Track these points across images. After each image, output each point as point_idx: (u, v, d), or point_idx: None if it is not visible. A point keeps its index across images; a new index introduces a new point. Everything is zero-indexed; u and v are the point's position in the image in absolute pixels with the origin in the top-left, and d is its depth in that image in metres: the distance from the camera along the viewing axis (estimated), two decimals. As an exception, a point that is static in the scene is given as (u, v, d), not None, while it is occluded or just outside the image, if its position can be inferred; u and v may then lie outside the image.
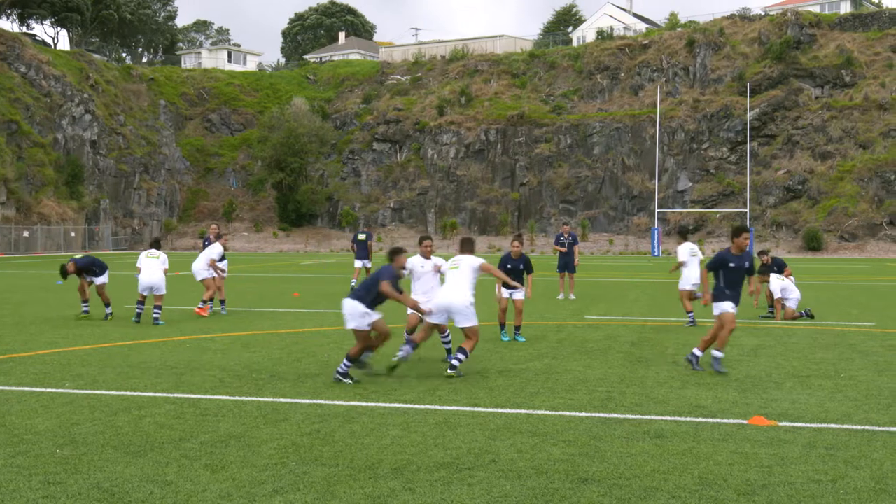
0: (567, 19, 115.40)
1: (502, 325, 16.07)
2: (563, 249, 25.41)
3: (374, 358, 12.51)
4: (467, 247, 13.04)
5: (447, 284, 12.53)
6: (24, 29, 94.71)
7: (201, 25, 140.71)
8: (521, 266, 15.88)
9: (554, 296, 25.50)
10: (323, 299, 24.90)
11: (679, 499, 6.62)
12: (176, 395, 10.62)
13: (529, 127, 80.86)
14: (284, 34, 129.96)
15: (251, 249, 75.67)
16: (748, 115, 72.69)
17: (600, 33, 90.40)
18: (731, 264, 12.36)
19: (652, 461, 7.63)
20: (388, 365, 12.02)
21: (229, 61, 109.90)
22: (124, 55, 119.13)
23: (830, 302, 24.10)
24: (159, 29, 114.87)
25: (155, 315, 18.20)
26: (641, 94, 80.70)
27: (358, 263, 27.22)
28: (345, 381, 11.39)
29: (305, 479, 7.08)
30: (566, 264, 25.36)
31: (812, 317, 19.55)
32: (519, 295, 15.80)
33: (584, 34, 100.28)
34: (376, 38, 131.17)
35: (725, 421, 9.20)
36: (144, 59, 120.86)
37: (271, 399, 10.37)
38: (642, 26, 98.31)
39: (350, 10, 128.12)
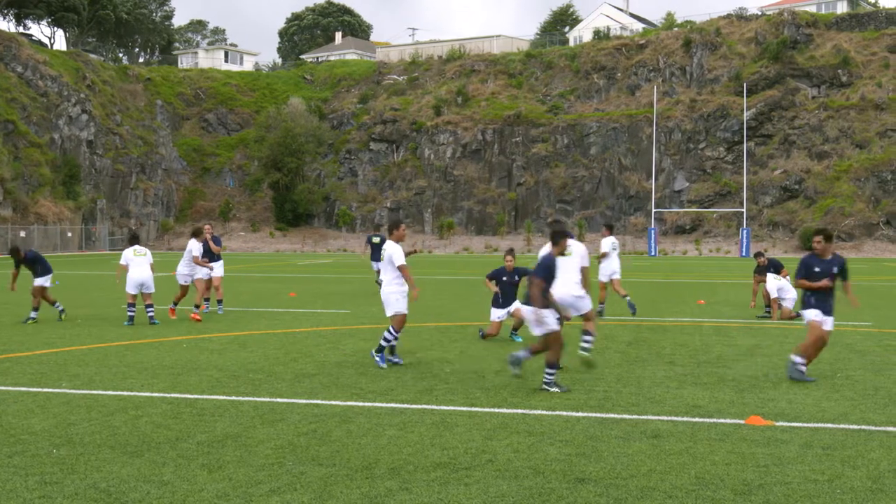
0: (564, 19, 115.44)
1: (483, 336, 15.86)
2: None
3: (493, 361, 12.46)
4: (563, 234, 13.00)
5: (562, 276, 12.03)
6: (21, 29, 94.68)
7: (198, 25, 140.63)
8: (517, 278, 15.85)
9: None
10: (319, 299, 24.89)
11: (676, 498, 6.62)
12: (172, 395, 10.61)
13: (526, 127, 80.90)
14: (281, 34, 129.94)
15: (248, 249, 75.62)
16: (745, 114, 72.76)
17: (597, 33, 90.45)
18: (816, 269, 11.71)
19: (649, 461, 7.63)
20: (583, 361, 12.06)
21: (226, 61, 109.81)
22: (121, 55, 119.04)
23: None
24: (156, 29, 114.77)
25: (150, 314, 18.09)
26: (638, 94, 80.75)
27: (375, 266, 27.05)
28: (552, 389, 10.71)
29: (302, 479, 7.08)
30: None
31: (809, 316, 19.52)
32: (519, 305, 15.77)
33: (580, 34, 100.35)
34: (373, 38, 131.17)
35: (722, 421, 9.20)
36: (141, 59, 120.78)
37: (268, 399, 10.36)
38: (639, 26, 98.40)
39: (347, 10, 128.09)
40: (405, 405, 10.00)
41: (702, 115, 76.04)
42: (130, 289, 18.15)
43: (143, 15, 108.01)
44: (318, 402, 10.21)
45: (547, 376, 10.78)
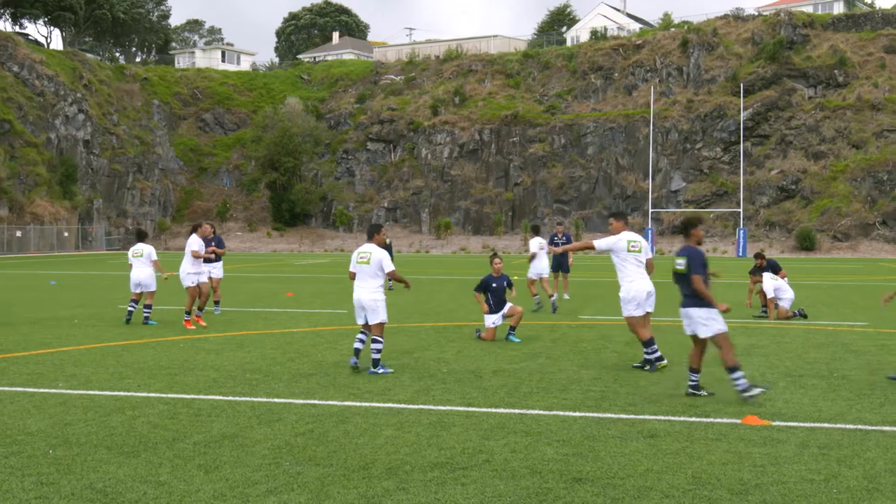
0: (561, 19, 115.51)
1: (479, 337, 15.89)
2: (558, 250, 25.36)
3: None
4: (622, 217, 13.04)
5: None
6: (17, 28, 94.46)
7: (195, 25, 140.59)
8: (505, 284, 15.88)
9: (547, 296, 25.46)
10: (317, 299, 24.88)
11: (672, 498, 6.63)
12: (169, 395, 10.60)
13: (523, 127, 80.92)
14: (278, 34, 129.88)
15: (245, 249, 75.58)
16: (741, 115, 72.82)
17: (594, 33, 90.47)
18: None
19: (646, 461, 7.64)
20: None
21: (223, 61, 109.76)
22: (118, 55, 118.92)
23: (823, 302, 24.15)
24: (153, 28, 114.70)
25: (145, 315, 18.09)
26: (635, 94, 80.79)
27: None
28: (753, 392, 10.08)
29: (299, 480, 7.08)
30: (560, 264, 25.30)
31: (805, 316, 19.58)
32: (510, 304, 15.82)
33: (577, 34, 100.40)
34: (370, 37, 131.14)
35: (719, 420, 9.21)
36: (138, 59, 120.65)
37: (265, 399, 10.35)
38: (636, 26, 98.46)
39: (344, 10, 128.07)
40: (402, 405, 10.00)
41: (699, 115, 76.10)
42: (132, 287, 18.44)
43: (139, 14, 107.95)
44: (316, 402, 10.20)
45: (737, 383, 10.00)
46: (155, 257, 18.37)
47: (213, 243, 19.98)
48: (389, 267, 12.29)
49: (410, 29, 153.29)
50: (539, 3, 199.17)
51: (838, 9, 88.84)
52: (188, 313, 17.73)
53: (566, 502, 6.54)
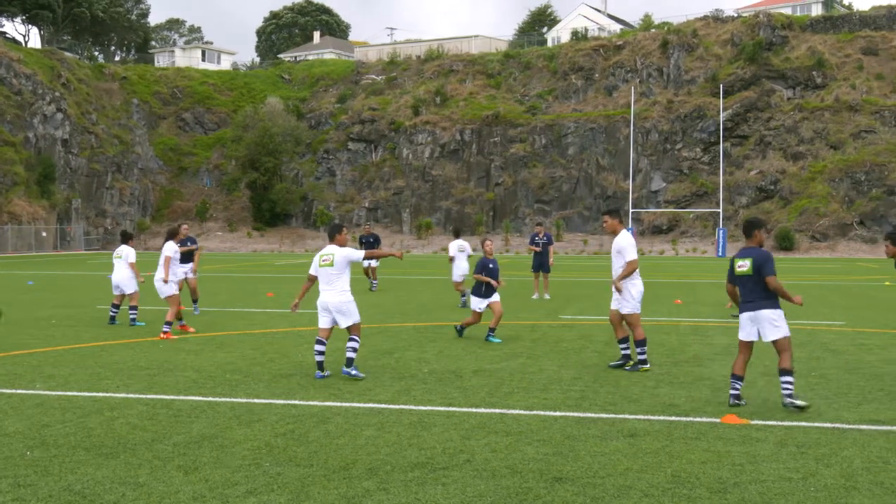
0: (542, 20, 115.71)
1: (465, 327, 15.98)
2: (538, 249, 25.45)
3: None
4: (616, 215, 13.06)
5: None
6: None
7: (174, 24, 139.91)
8: (491, 266, 15.96)
9: (529, 295, 25.55)
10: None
11: (652, 497, 6.66)
12: (149, 396, 10.55)
13: (504, 127, 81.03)
14: (259, 33, 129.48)
15: (225, 249, 75.28)
16: (721, 115, 73.19)
17: (575, 34, 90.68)
18: None
19: (625, 460, 7.67)
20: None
21: (203, 60, 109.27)
22: (96, 53, 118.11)
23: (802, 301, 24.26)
24: (132, 27, 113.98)
25: (131, 316, 17.90)
26: (616, 95, 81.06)
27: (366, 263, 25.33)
28: (798, 403, 9.76)
29: (279, 480, 7.06)
30: (541, 264, 25.40)
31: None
32: (497, 298, 15.87)
33: (558, 35, 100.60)
34: (351, 37, 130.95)
35: (698, 420, 9.26)
36: (117, 58, 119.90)
37: (245, 400, 10.32)
38: (616, 27, 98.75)
39: (325, 10, 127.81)
40: (383, 405, 9.99)
41: (678, 115, 76.43)
42: (113, 289, 18.34)
43: (118, 13, 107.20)
44: (296, 402, 10.18)
45: (786, 387, 9.85)
46: (132, 259, 17.91)
47: (188, 242, 20.00)
48: (359, 255, 11.88)
49: (391, 29, 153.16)
50: (520, 4, 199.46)
51: (816, 11, 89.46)
52: (169, 324, 16.22)
53: (546, 502, 6.56)
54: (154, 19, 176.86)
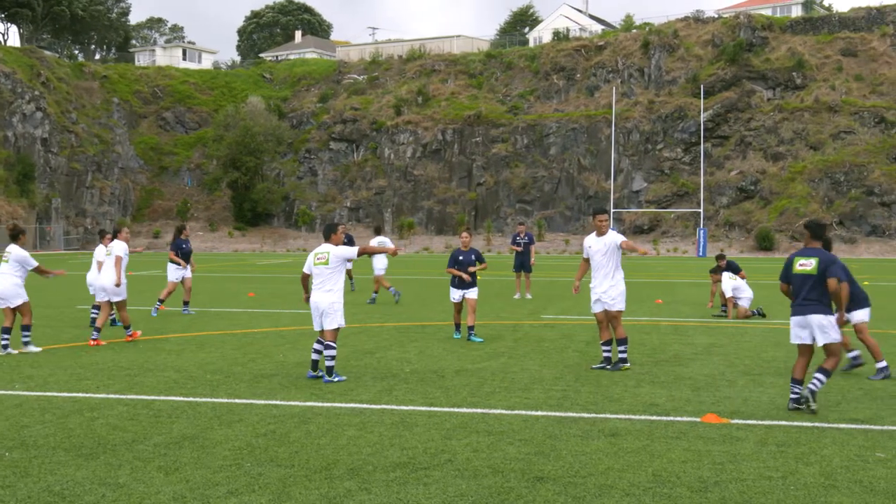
0: (524, 20, 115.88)
1: (457, 326, 16.08)
2: (520, 249, 25.48)
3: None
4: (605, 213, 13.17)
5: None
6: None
7: (155, 22, 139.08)
8: (473, 258, 15.91)
9: (510, 295, 25.57)
10: (278, 299, 24.75)
11: (633, 496, 6.68)
12: (129, 396, 10.50)
13: (486, 127, 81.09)
14: (240, 32, 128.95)
15: (206, 249, 74.97)
16: (702, 116, 73.52)
17: (556, 34, 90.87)
18: None
19: (607, 459, 7.69)
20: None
21: (184, 59, 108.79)
22: (76, 52, 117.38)
23: (782, 301, 24.41)
24: (112, 26, 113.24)
25: (111, 316, 17.70)
26: (597, 95, 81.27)
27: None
28: (813, 405, 9.60)
29: (260, 481, 7.04)
30: (522, 264, 25.42)
31: (764, 315, 19.82)
32: (472, 294, 15.82)
33: (540, 35, 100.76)
34: (333, 37, 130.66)
35: (679, 419, 9.30)
36: (97, 57, 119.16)
37: (226, 400, 10.29)
38: (598, 27, 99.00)
39: (306, 9, 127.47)
40: (364, 405, 9.98)
41: (660, 116, 76.72)
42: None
43: (98, 11, 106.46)
44: (277, 402, 10.16)
45: (815, 383, 9.68)
46: (101, 258, 17.23)
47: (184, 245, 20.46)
48: (353, 251, 11.78)
49: (373, 28, 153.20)
50: (502, 4, 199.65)
51: (796, 12, 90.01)
52: (98, 330, 15.05)
53: (528, 501, 6.57)
54: (135, 18, 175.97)
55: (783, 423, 9.14)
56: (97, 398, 10.37)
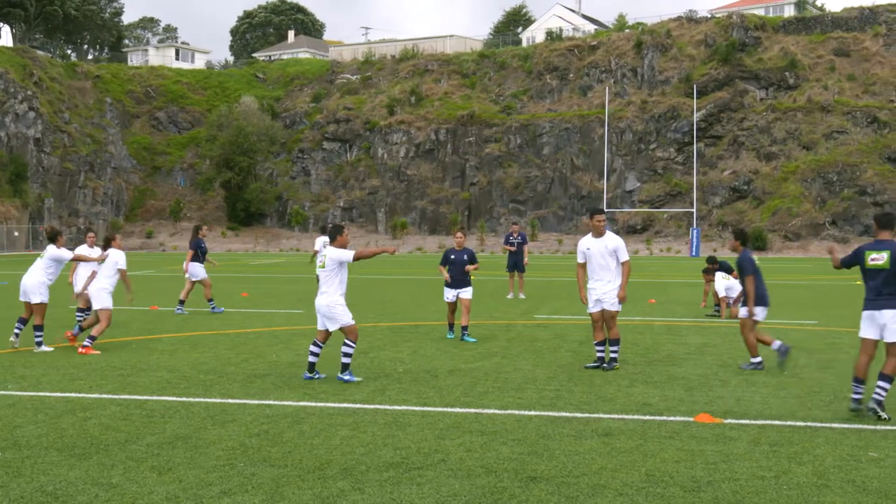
0: (517, 20, 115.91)
1: (451, 326, 16.07)
2: (513, 249, 25.50)
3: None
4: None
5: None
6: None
7: (148, 22, 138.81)
8: (465, 257, 15.90)
9: (503, 295, 25.58)
10: (272, 299, 24.73)
11: (626, 496, 6.69)
12: (122, 396, 10.47)
13: (479, 127, 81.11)
14: (233, 32, 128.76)
15: (199, 249, 74.76)
16: (695, 116, 73.65)
17: (549, 34, 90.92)
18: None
19: (600, 459, 7.70)
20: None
21: (177, 59, 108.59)
22: (69, 52, 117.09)
23: (774, 300, 24.43)
24: (105, 25, 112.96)
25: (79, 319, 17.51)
26: (590, 95, 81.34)
27: None
28: (881, 415, 9.23)
29: (254, 481, 7.03)
30: (515, 264, 25.44)
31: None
32: (466, 294, 15.83)
33: (533, 35, 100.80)
34: (326, 36, 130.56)
35: (672, 419, 9.31)
36: (90, 56, 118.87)
37: (219, 400, 10.27)
38: (591, 27, 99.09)
39: (299, 9, 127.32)
40: (358, 405, 9.98)
41: (653, 116, 76.83)
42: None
43: (91, 11, 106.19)
44: (270, 402, 10.14)
45: (880, 392, 9.30)
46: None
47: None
48: (349, 255, 11.46)
49: (366, 28, 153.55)
50: (495, 4, 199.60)
51: (789, 12, 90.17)
52: (93, 338, 14.26)
53: (521, 501, 6.57)
54: (127, 18, 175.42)
55: (776, 422, 9.16)
56: (90, 398, 10.35)
